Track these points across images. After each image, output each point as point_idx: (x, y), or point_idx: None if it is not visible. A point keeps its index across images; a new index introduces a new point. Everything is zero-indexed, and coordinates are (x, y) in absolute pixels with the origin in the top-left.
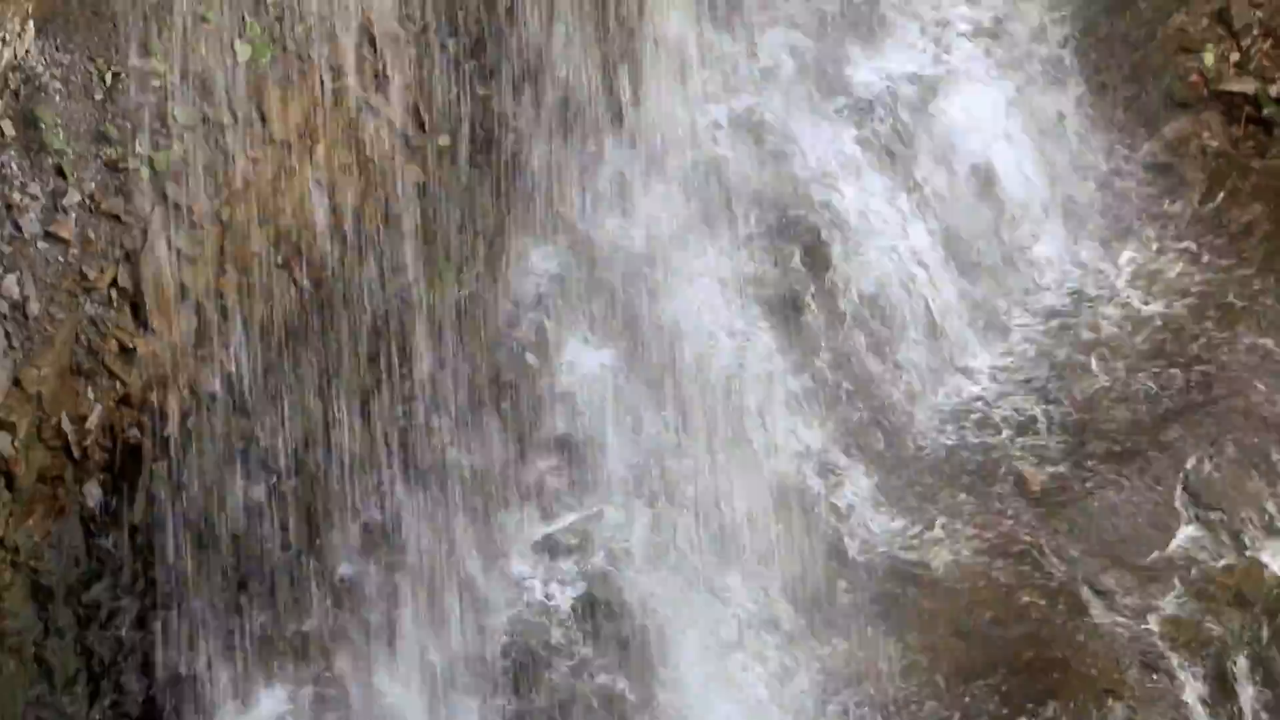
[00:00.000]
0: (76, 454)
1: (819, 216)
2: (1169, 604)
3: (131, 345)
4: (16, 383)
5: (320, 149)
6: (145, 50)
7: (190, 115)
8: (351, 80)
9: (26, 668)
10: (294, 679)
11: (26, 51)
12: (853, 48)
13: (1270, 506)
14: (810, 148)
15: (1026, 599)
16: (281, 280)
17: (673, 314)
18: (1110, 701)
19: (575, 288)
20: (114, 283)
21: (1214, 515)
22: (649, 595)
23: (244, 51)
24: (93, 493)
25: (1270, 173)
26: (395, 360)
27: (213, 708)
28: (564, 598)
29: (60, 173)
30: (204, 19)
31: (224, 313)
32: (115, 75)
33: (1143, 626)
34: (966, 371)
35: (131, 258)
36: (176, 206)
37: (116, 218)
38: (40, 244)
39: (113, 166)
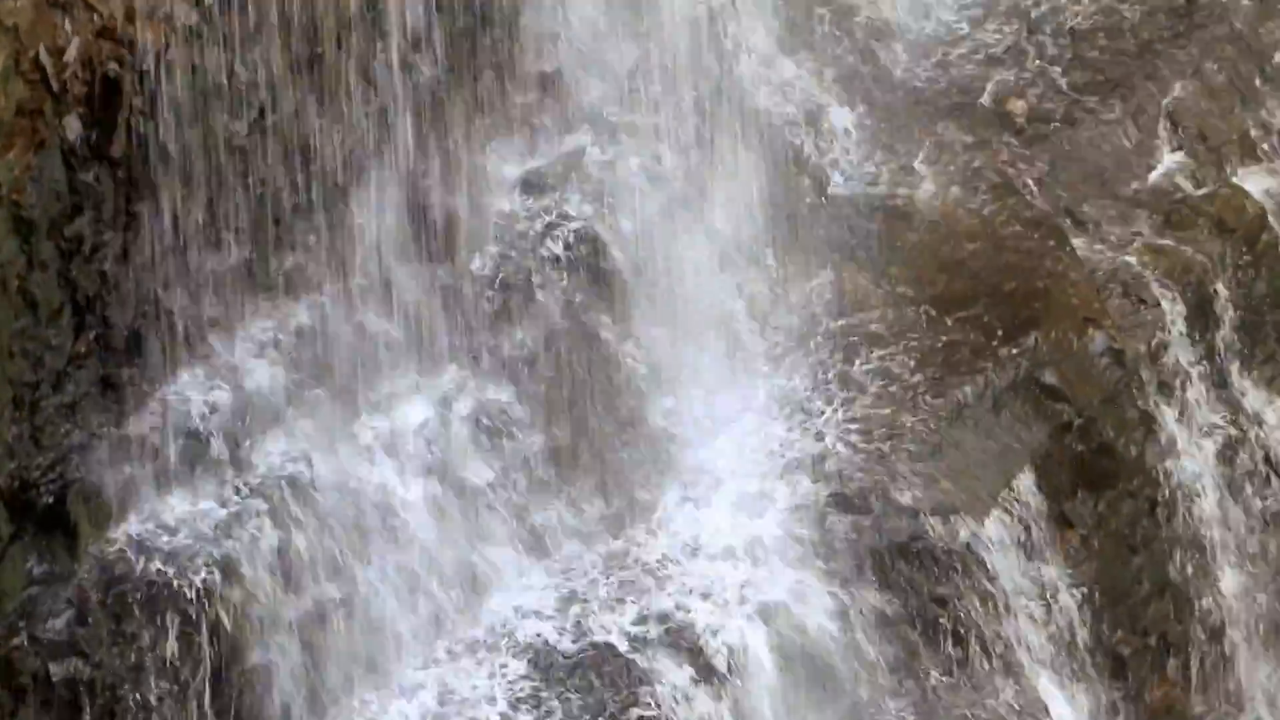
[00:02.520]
0: (55, 87)
1: None
2: (1150, 232)
3: None
4: None
5: None
6: None
7: None
8: None
9: (11, 300)
10: (279, 312)
11: None
12: None
13: (1252, 132)
14: None
15: (1008, 230)
16: None
17: None
18: (1091, 330)
19: None
20: None
21: (1196, 143)
22: (631, 230)
23: None
24: (73, 126)
25: None
26: None
27: (195, 341)
28: (548, 234)
29: None
30: None
31: None
32: None
33: (1124, 255)
34: (950, 3)
35: None
36: None
37: None
38: None
39: None
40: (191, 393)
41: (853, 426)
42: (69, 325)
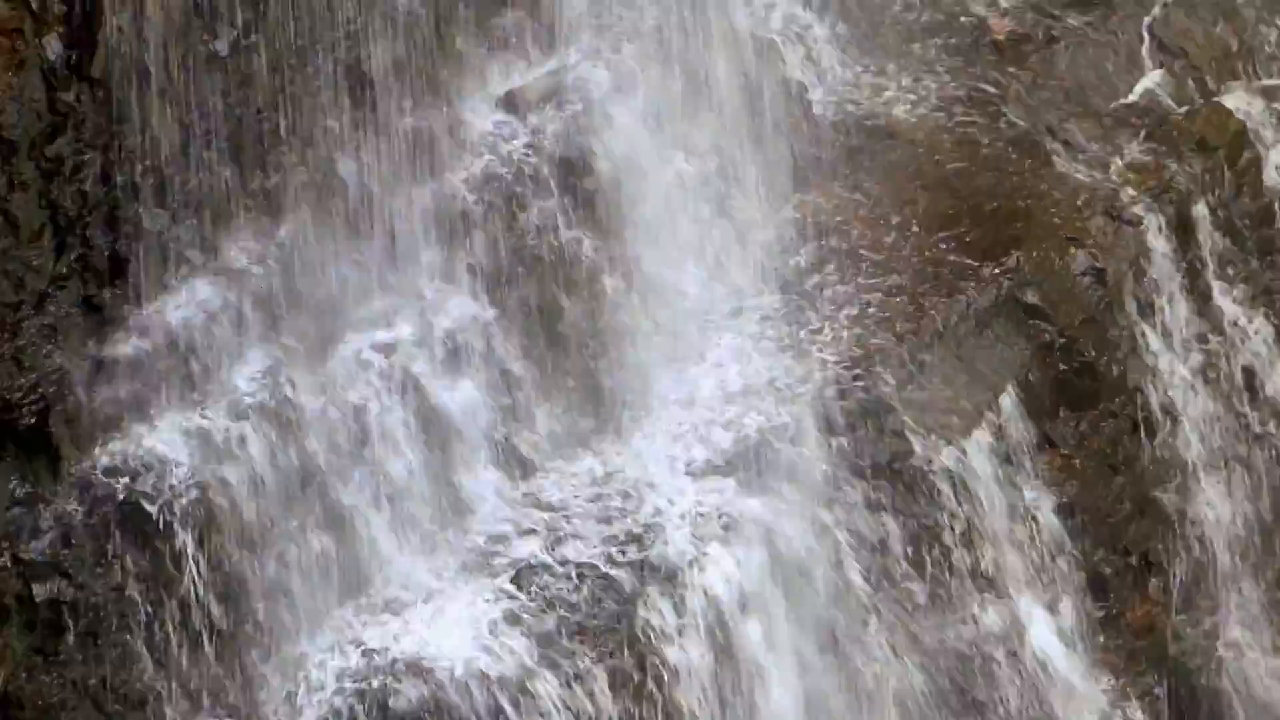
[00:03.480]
0: (35, 6)
1: None
2: (1132, 151)
3: None
4: None
5: None
6: None
7: None
8: None
9: None
10: (260, 232)
11: None
12: None
13: (1234, 50)
14: None
15: (990, 150)
16: None
17: None
18: (1073, 249)
19: None
20: None
21: (1178, 61)
22: (612, 149)
23: None
24: (53, 45)
25: None
26: None
27: (177, 261)
28: (529, 153)
29: None
30: None
31: None
32: None
33: (1106, 174)
34: None
35: None
36: None
37: None
38: None
39: None
40: (173, 313)
41: (834, 346)
42: (50, 246)
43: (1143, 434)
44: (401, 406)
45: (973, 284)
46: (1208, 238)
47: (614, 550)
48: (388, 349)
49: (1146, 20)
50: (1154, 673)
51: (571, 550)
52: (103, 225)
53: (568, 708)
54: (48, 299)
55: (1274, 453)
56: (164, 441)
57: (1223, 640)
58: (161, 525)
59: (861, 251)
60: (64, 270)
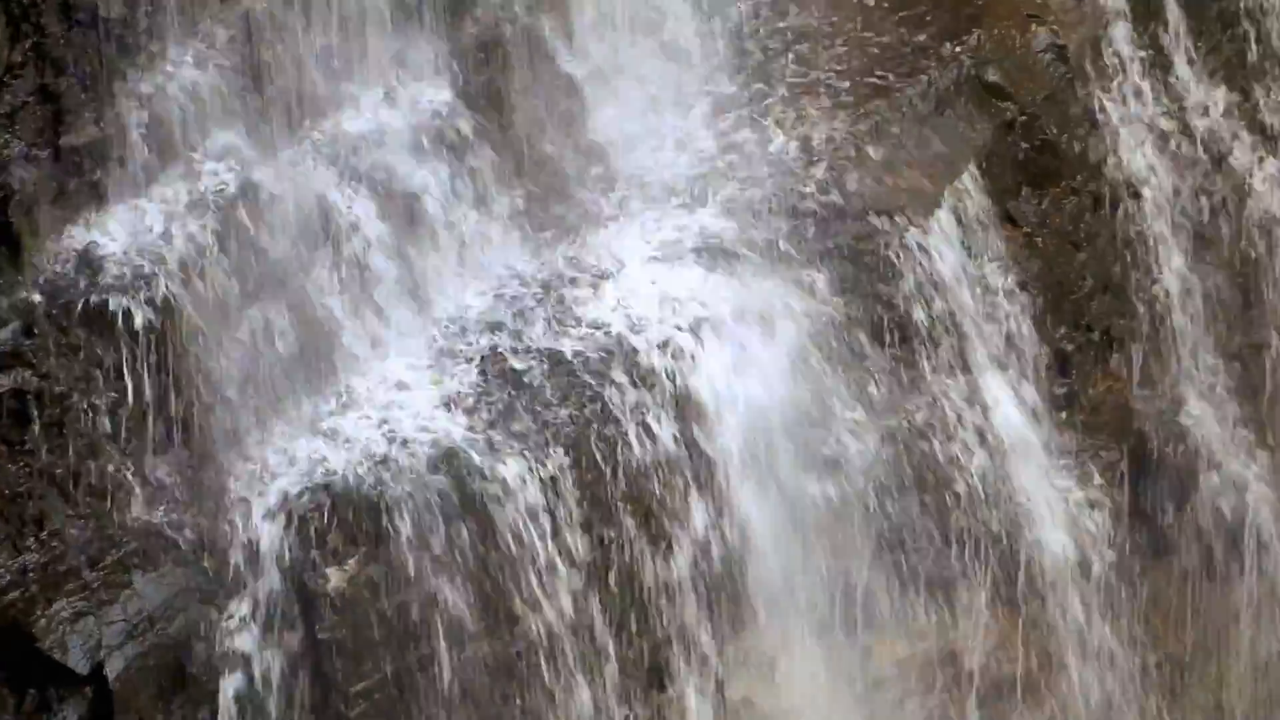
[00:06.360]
0: None
1: None
2: None
3: None
4: None
5: None
6: None
7: None
8: None
9: None
10: (218, 19)
11: None
12: None
13: None
14: None
15: None
16: None
17: None
18: (1034, 26)
19: None
20: None
21: None
22: None
23: None
24: None
25: None
26: None
27: (133, 49)
28: None
29: None
30: None
31: None
32: None
33: None
34: None
35: None
36: None
37: None
38: None
39: None
40: (131, 101)
41: (796, 129)
42: (4, 33)
43: (1104, 210)
44: (364, 193)
45: (933, 64)
46: (1170, 10)
47: (579, 336)
48: (349, 136)
49: None
50: (1116, 446)
51: (536, 337)
52: (57, 12)
53: (533, 489)
54: (3, 87)
55: (1235, 225)
56: (124, 231)
57: (1184, 413)
58: (123, 315)
59: (821, 33)
60: (19, 58)
